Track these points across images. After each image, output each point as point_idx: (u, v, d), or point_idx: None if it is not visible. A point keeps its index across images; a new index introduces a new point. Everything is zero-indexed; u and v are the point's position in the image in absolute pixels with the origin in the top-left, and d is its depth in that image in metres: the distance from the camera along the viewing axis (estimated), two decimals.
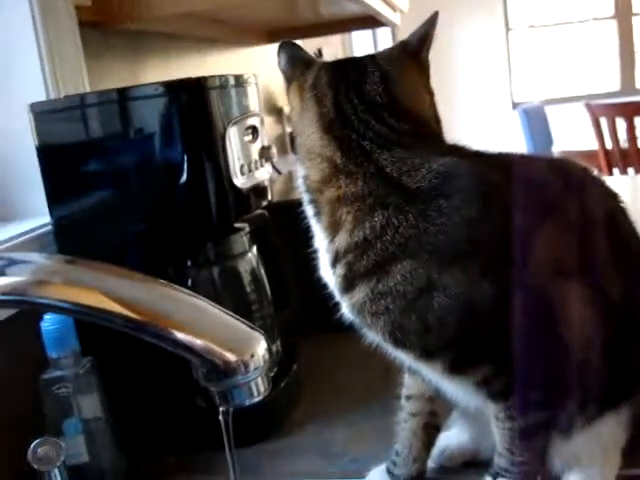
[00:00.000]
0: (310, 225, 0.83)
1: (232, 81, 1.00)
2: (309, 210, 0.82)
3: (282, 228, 1.17)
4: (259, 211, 1.13)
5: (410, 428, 0.88)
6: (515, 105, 6.18)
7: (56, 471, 0.80)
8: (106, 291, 0.41)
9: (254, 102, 1.06)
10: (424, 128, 0.81)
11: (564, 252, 0.76)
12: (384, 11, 1.87)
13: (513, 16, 6.42)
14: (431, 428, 0.88)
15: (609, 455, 0.83)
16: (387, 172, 0.75)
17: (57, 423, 0.88)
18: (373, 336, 0.79)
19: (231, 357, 0.43)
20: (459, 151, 0.79)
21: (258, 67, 1.08)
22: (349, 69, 0.82)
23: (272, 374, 1.10)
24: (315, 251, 0.83)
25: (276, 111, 2.30)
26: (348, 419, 1.07)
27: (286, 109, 2.35)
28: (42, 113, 0.99)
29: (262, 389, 0.46)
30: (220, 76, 0.98)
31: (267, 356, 0.45)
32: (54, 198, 1.02)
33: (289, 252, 1.19)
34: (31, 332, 0.89)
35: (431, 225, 0.72)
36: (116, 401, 0.94)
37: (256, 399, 0.46)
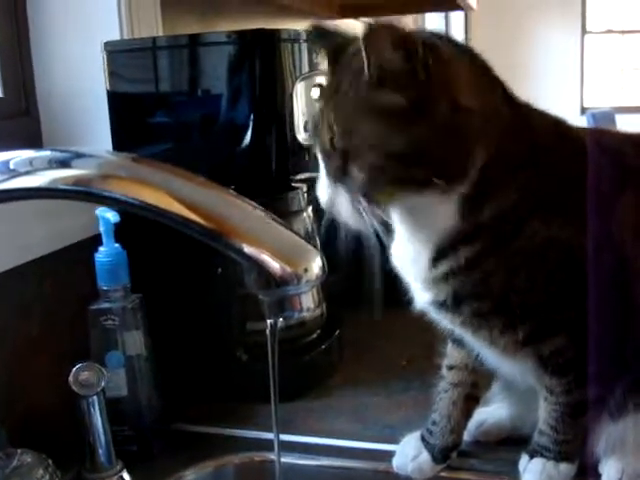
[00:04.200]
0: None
1: (304, 36, 1.00)
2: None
3: None
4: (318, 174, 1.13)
5: (450, 398, 0.87)
6: (584, 110, 6.06)
7: (95, 398, 0.82)
8: (169, 190, 0.41)
9: (324, 61, 1.06)
10: None
11: None
12: None
13: (591, 19, 6.29)
14: (471, 399, 0.87)
15: None
16: (534, 129, 0.74)
17: (101, 354, 0.89)
18: (461, 315, 0.77)
19: (285, 267, 0.43)
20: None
21: None
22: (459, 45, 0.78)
23: (315, 335, 1.11)
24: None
25: None
26: (387, 388, 1.06)
27: None
28: (114, 52, 1.01)
29: (311, 305, 0.46)
30: (293, 30, 0.98)
31: (320, 274, 0.45)
32: (119, 139, 1.03)
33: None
34: (84, 263, 0.90)
35: (563, 181, 0.73)
36: (160, 343, 0.95)
37: (303, 314, 0.46)
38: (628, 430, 0.79)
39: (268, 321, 0.48)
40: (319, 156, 0.73)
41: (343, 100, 0.70)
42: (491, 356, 0.82)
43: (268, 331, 0.49)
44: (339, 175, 0.70)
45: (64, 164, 0.43)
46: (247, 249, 0.42)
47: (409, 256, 0.78)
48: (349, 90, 0.69)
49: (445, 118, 0.67)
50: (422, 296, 0.79)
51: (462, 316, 0.77)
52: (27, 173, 0.43)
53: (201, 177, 0.44)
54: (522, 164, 0.72)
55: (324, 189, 0.73)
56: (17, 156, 0.44)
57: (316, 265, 0.45)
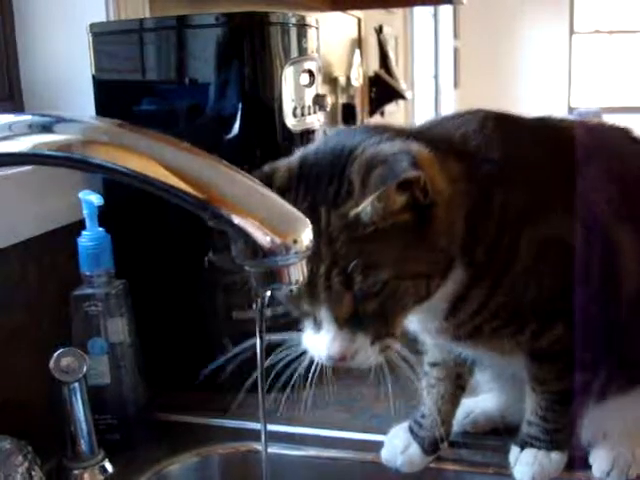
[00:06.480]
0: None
1: (294, 20, 0.98)
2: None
3: None
4: None
5: (438, 392, 0.86)
6: (571, 110, 6.09)
7: (76, 384, 0.80)
8: (156, 156, 0.40)
9: (313, 46, 1.04)
10: None
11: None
12: None
13: (579, 20, 6.31)
14: (458, 388, 0.87)
15: None
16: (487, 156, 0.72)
17: (83, 341, 0.87)
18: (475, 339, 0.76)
19: (273, 237, 0.41)
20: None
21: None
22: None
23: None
24: None
25: (331, 81, 2.27)
26: (376, 379, 1.05)
27: (341, 79, 2.33)
28: (100, 34, 0.99)
29: (300, 277, 0.44)
30: (283, 13, 0.96)
31: (310, 245, 0.43)
32: None
33: None
34: (69, 248, 0.88)
35: (532, 186, 0.72)
36: (144, 330, 0.93)
37: (292, 286, 0.44)
38: (618, 419, 0.79)
39: (255, 296, 0.47)
40: (311, 310, 0.67)
41: (348, 240, 0.63)
42: (483, 356, 0.81)
43: (255, 306, 0.47)
44: (357, 317, 0.65)
45: (45, 129, 0.42)
46: (234, 218, 0.40)
47: (416, 317, 0.75)
48: (351, 229, 0.63)
49: (441, 213, 0.65)
50: (434, 337, 0.79)
51: (476, 338, 0.76)
52: (6, 138, 0.42)
53: (188, 144, 0.43)
54: (490, 194, 0.70)
55: (330, 343, 0.66)
56: None
57: (306, 236, 0.43)
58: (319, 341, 0.67)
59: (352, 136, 0.68)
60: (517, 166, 0.72)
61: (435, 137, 0.72)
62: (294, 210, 0.44)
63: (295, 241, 0.42)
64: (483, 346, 0.78)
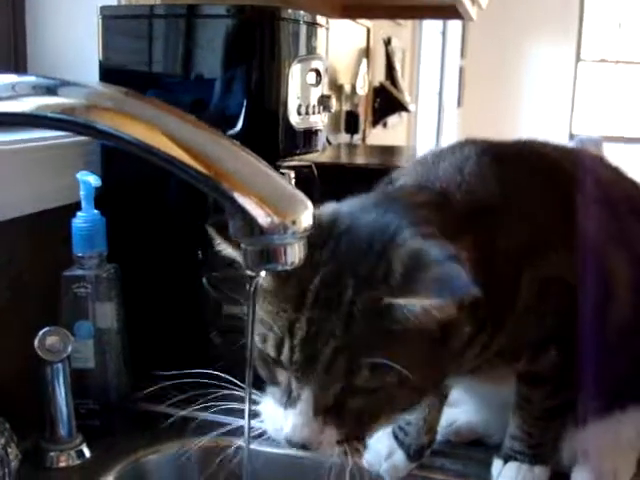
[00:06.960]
0: None
1: (304, 18, 0.98)
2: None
3: (326, 189, 1.15)
4: (306, 162, 1.11)
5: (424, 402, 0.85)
6: (572, 136, 6.12)
7: (60, 365, 0.79)
8: (159, 125, 0.39)
9: (322, 46, 1.04)
10: None
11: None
12: (466, 1, 1.83)
13: (586, 47, 6.35)
14: (442, 397, 0.85)
15: (625, 457, 0.80)
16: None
17: (70, 323, 0.86)
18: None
19: (272, 215, 0.40)
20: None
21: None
22: None
23: None
24: None
25: (336, 88, 2.27)
26: None
27: (346, 87, 2.33)
28: (110, 18, 0.98)
29: (295, 260, 0.43)
30: (294, 10, 0.96)
31: (309, 228, 0.42)
32: None
33: None
34: (63, 230, 0.88)
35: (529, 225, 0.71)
36: (132, 318, 0.92)
37: (287, 267, 0.43)
38: (600, 438, 0.79)
39: (249, 274, 0.46)
40: (288, 382, 0.62)
41: (371, 327, 0.59)
42: (475, 384, 0.81)
43: (249, 287, 0.46)
44: (335, 409, 0.61)
45: (50, 91, 0.41)
46: (235, 193, 0.40)
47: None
48: (378, 316, 0.59)
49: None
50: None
51: (475, 373, 0.75)
52: (9, 98, 0.41)
53: (193, 117, 0.42)
54: (494, 250, 0.68)
55: (299, 428, 0.61)
56: None
57: (305, 218, 0.42)
58: (284, 419, 0.62)
59: (393, 214, 0.64)
60: (515, 211, 0.71)
61: (451, 210, 0.68)
62: (296, 191, 0.44)
63: (294, 222, 0.42)
64: (478, 377, 0.78)
